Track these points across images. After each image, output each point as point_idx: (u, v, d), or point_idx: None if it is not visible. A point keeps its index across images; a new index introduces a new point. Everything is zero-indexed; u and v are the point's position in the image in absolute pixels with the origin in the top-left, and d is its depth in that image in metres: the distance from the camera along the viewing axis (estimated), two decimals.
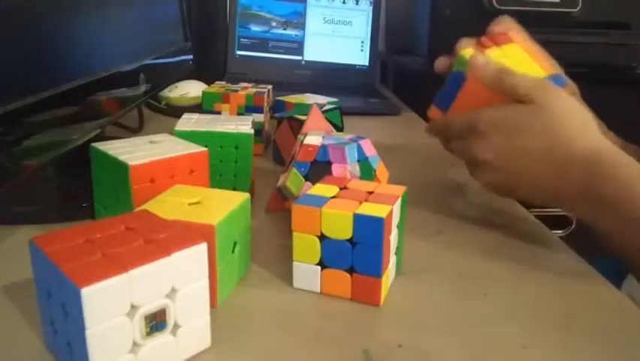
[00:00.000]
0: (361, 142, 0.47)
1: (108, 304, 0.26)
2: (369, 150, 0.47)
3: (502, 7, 0.96)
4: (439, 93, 0.53)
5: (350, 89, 1.11)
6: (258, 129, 0.69)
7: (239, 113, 0.70)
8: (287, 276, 0.39)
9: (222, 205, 0.37)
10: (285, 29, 1.20)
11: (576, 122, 0.45)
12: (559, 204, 0.47)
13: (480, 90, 0.49)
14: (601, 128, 0.48)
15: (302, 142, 0.47)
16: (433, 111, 0.54)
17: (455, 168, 0.65)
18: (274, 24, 1.20)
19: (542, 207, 0.52)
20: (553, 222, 0.55)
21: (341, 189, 0.40)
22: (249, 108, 0.70)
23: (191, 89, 0.96)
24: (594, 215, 0.44)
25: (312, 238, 0.37)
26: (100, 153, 0.43)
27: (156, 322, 0.28)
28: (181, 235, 0.30)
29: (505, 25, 0.53)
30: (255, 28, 1.20)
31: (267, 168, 0.66)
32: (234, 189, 0.52)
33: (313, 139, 0.47)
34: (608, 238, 0.44)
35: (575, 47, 1.03)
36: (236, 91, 0.71)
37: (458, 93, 0.51)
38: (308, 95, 0.75)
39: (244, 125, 0.53)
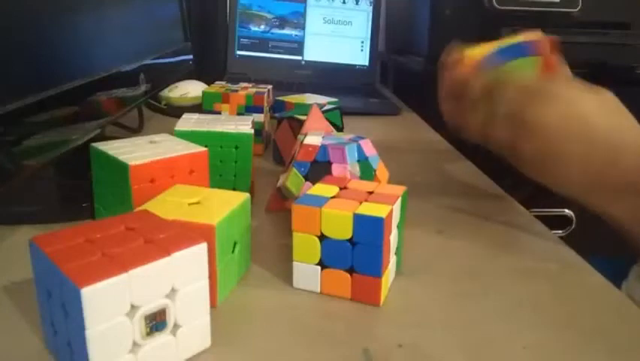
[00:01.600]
0: (361, 142, 0.47)
1: (108, 304, 0.26)
2: (369, 150, 0.47)
3: (502, 7, 0.96)
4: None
5: (350, 89, 1.11)
6: (258, 129, 0.69)
7: (239, 113, 0.70)
8: (287, 276, 0.39)
9: (222, 205, 0.37)
10: (285, 29, 1.20)
11: (626, 113, 0.45)
12: (594, 198, 0.45)
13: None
14: None
15: (302, 142, 0.47)
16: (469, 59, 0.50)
17: (455, 169, 0.65)
18: (274, 24, 1.20)
19: (543, 207, 0.52)
20: (553, 222, 0.55)
21: (341, 189, 0.40)
22: (249, 108, 0.70)
23: (191, 89, 0.96)
24: (607, 203, 0.43)
25: (312, 238, 0.37)
26: (100, 153, 0.43)
27: (156, 322, 0.28)
28: (181, 235, 0.30)
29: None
30: (255, 28, 1.20)
31: (267, 168, 0.66)
32: (234, 189, 0.52)
33: (313, 139, 0.47)
34: (622, 227, 0.44)
35: (575, 47, 1.03)
36: (237, 91, 0.71)
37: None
38: (308, 95, 0.75)
39: (244, 125, 0.53)
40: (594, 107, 0.44)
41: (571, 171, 0.44)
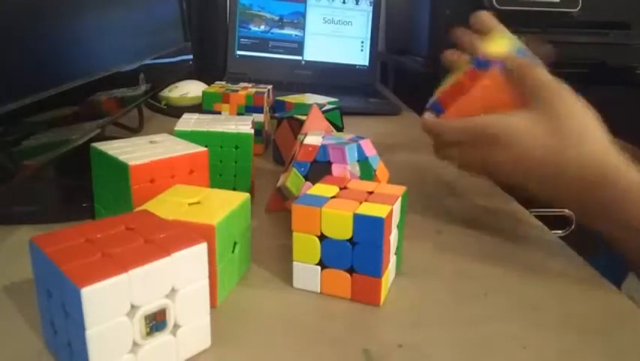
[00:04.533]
0: (361, 142, 0.47)
1: (108, 304, 0.26)
2: (369, 150, 0.47)
3: (502, 7, 0.96)
4: (433, 99, 0.53)
5: (350, 89, 1.10)
6: (258, 129, 0.69)
7: (239, 113, 0.70)
8: (287, 276, 0.39)
9: (222, 205, 0.37)
10: (285, 29, 1.20)
11: (575, 126, 0.45)
12: (563, 207, 0.47)
13: (492, 91, 0.48)
14: None
15: (302, 142, 0.47)
16: (427, 115, 0.53)
17: (455, 169, 0.65)
18: (274, 24, 1.20)
19: (543, 207, 0.52)
20: (553, 222, 0.55)
21: (341, 189, 0.40)
22: (249, 108, 0.70)
23: (191, 89, 0.96)
24: (592, 220, 0.44)
25: (312, 238, 0.37)
26: (100, 153, 0.43)
27: (156, 322, 0.28)
28: (181, 235, 0.30)
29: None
30: (255, 28, 1.20)
31: (267, 168, 0.66)
32: (234, 189, 0.52)
33: (313, 139, 0.47)
34: (610, 240, 0.44)
35: (575, 47, 1.03)
36: (237, 91, 0.71)
37: (463, 95, 0.50)
38: (308, 95, 0.75)
39: (244, 125, 0.53)
40: (534, 136, 0.45)
41: (538, 190, 0.46)
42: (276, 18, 1.20)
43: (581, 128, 0.45)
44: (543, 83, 0.46)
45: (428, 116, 0.53)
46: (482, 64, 0.49)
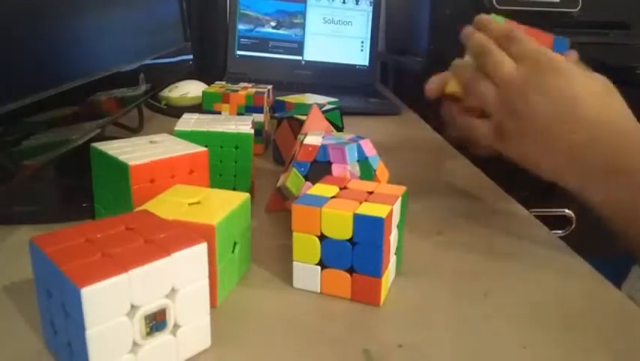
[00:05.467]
0: (361, 142, 0.47)
1: (108, 304, 0.26)
2: (369, 150, 0.47)
3: (502, 7, 0.96)
4: None
5: (350, 89, 1.10)
6: (258, 129, 0.69)
7: (239, 113, 0.70)
8: (287, 276, 0.39)
9: (222, 205, 0.37)
10: (285, 29, 1.20)
11: (618, 99, 0.46)
12: (569, 177, 0.46)
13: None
14: None
15: (302, 142, 0.47)
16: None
17: (455, 169, 0.65)
18: (274, 24, 1.20)
19: (543, 207, 0.52)
20: (553, 222, 0.55)
21: (341, 189, 0.40)
22: (249, 108, 0.70)
23: (191, 89, 0.96)
24: (613, 191, 0.44)
25: (312, 238, 0.37)
26: (100, 153, 0.43)
27: (156, 322, 0.28)
28: (181, 235, 0.30)
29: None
30: (255, 28, 1.20)
31: (267, 168, 0.66)
32: (234, 189, 0.52)
33: (313, 139, 0.47)
34: (620, 230, 0.44)
35: (575, 47, 1.03)
36: (237, 91, 0.71)
37: None
38: (308, 95, 0.75)
39: (244, 125, 0.53)
40: (585, 89, 0.45)
41: (550, 148, 0.46)
42: (276, 18, 1.20)
43: (621, 101, 0.46)
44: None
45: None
46: (561, 47, 0.50)
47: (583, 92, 0.45)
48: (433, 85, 0.53)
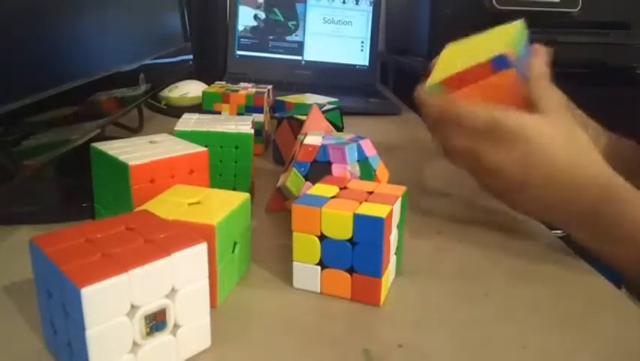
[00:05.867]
0: (361, 142, 0.47)
1: (108, 304, 0.26)
2: (369, 150, 0.47)
3: (502, 7, 0.96)
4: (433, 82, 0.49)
5: (350, 89, 1.11)
6: (258, 129, 0.69)
7: (239, 113, 0.70)
8: (287, 276, 0.39)
9: (222, 205, 0.37)
10: (284, 29, 1.20)
11: (585, 138, 0.45)
12: (564, 226, 0.46)
13: (511, 86, 0.46)
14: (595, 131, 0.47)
15: (302, 142, 0.47)
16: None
17: (455, 169, 0.65)
18: (275, 23, 1.20)
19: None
20: None
21: (341, 189, 0.40)
22: (249, 108, 0.70)
23: (191, 89, 0.96)
24: (596, 239, 0.44)
25: (312, 238, 0.37)
26: (100, 153, 0.43)
27: (156, 322, 0.28)
28: (181, 235, 0.30)
29: None
30: (256, 28, 1.20)
31: (267, 168, 0.66)
32: (234, 189, 0.52)
33: (313, 139, 0.47)
34: (606, 256, 0.44)
35: (575, 47, 1.03)
36: (237, 91, 0.71)
37: (468, 85, 0.47)
38: (308, 95, 0.75)
39: (244, 125, 0.53)
40: (553, 141, 0.44)
41: (529, 200, 0.45)
42: (276, 18, 1.20)
43: (589, 142, 0.45)
44: (553, 95, 0.46)
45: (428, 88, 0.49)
46: (501, 63, 0.46)
47: (548, 146, 0.43)
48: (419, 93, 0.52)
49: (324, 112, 0.62)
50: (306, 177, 0.46)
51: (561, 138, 0.44)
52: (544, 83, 0.46)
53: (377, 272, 0.36)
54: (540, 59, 0.48)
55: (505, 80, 0.46)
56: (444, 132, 0.47)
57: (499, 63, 0.46)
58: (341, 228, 0.36)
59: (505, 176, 0.44)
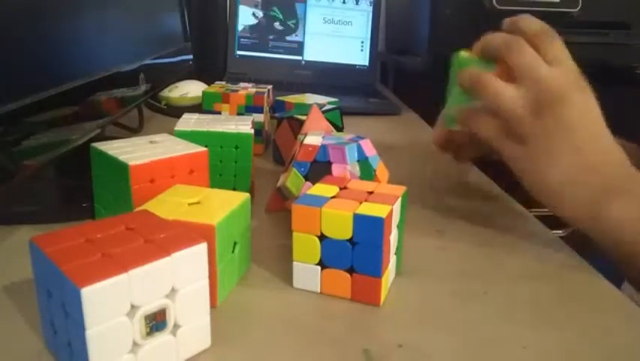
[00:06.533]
0: (361, 142, 0.47)
1: (108, 304, 0.26)
2: (369, 150, 0.47)
3: (502, 7, 0.96)
4: None
5: (350, 89, 1.11)
6: (258, 129, 0.69)
7: (239, 113, 0.70)
8: (287, 276, 0.39)
9: (222, 205, 0.37)
10: (284, 29, 1.20)
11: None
12: (573, 215, 0.46)
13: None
14: None
15: (302, 142, 0.47)
16: None
17: (455, 169, 0.65)
18: (274, 24, 1.20)
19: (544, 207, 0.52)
20: (553, 222, 0.55)
21: (341, 189, 0.40)
22: (249, 108, 0.70)
23: (191, 89, 0.96)
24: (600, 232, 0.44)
25: (312, 238, 0.37)
26: (100, 153, 0.43)
27: (156, 322, 0.28)
28: (181, 235, 0.30)
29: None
30: (256, 26, 1.20)
31: (267, 168, 0.66)
32: (234, 189, 0.52)
33: (313, 139, 0.47)
34: (606, 248, 0.44)
35: (575, 47, 1.03)
36: (237, 91, 0.71)
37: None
38: (308, 95, 0.75)
39: (244, 125, 0.53)
40: (579, 115, 0.45)
41: (555, 173, 0.45)
42: (276, 18, 1.20)
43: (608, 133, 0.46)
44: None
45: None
46: None
47: (575, 123, 0.45)
48: (436, 134, 0.56)
49: (324, 112, 0.62)
50: (306, 177, 0.46)
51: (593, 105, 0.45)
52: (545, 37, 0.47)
53: (377, 272, 0.36)
54: (523, 23, 0.49)
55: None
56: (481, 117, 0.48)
57: None
58: (341, 228, 0.36)
59: (535, 144, 0.45)
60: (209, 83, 0.80)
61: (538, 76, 0.45)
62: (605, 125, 0.45)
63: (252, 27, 1.20)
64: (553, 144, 0.44)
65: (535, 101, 0.44)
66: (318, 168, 0.45)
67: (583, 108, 0.45)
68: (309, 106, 0.58)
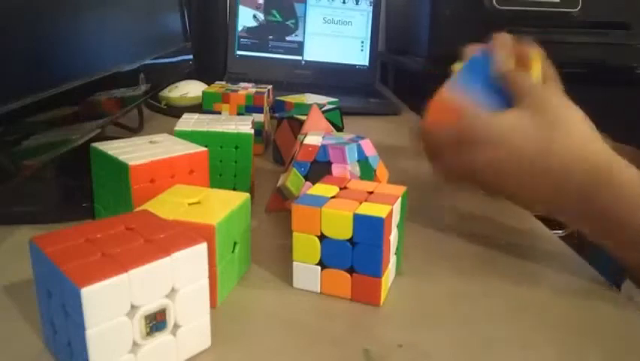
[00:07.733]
0: (361, 142, 0.47)
1: (108, 304, 0.26)
2: (369, 150, 0.47)
3: (502, 8, 0.96)
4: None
5: (350, 89, 1.11)
6: (258, 129, 0.69)
7: (239, 113, 0.70)
8: (287, 276, 0.39)
9: (222, 205, 0.37)
10: (285, 29, 1.20)
11: (575, 131, 0.43)
12: (558, 216, 0.45)
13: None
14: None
15: (302, 142, 0.47)
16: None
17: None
18: (274, 24, 1.20)
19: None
20: (553, 222, 0.55)
21: (341, 189, 0.40)
22: (249, 108, 0.70)
23: (191, 89, 0.96)
24: (592, 229, 0.42)
25: (312, 238, 0.37)
26: (100, 153, 0.43)
27: (156, 322, 0.28)
28: (181, 235, 0.30)
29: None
30: (256, 28, 1.20)
31: (267, 168, 0.66)
32: (234, 189, 0.52)
33: (313, 139, 0.47)
34: (607, 250, 0.43)
35: (575, 47, 1.03)
36: (237, 91, 0.71)
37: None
38: (308, 95, 0.75)
39: (244, 125, 0.53)
40: (525, 134, 0.43)
41: (531, 193, 0.44)
42: (276, 18, 1.20)
43: (568, 123, 0.43)
44: (528, 89, 0.45)
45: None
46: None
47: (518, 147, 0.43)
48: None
49: (324, 112, 0.62)
50: (306, 177, 0.46)
51: (530, 125, 0.43)
52: (514, 76, 0.46)
53: (377, 272, 0.36)
54: (499, 54, 0.47)
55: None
56: (436, 162, 0.48)
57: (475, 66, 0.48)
58: (341, 228, 0.36)
59: (504, 175, 0.43)
60: (209, 83, 0.80)
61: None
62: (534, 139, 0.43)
63: (251, 27, 1.20)
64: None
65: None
66: (318, 168, 0.45)
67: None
68: (309, 106, 0.58)
